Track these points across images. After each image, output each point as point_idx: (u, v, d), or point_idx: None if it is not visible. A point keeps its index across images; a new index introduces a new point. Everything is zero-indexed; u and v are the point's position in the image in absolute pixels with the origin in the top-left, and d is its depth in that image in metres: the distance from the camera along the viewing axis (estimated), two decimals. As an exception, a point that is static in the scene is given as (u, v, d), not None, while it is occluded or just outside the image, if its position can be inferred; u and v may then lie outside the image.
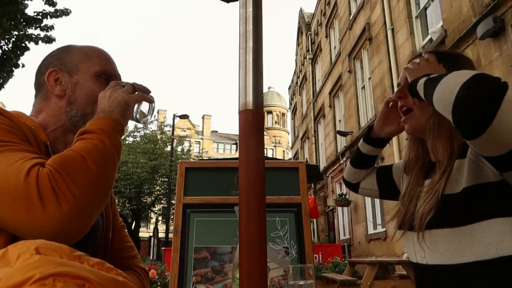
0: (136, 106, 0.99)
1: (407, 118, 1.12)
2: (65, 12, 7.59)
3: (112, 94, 0.95)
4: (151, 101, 1.02)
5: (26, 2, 7.03)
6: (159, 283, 6.75)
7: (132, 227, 23.00)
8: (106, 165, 0.82)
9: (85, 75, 1.03)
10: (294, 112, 25.70)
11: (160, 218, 28.96)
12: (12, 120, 0.86)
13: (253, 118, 1.01)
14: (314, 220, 16.09)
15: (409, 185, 1.15)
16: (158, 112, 30.45)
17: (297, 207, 1.89)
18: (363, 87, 12.13)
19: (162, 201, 24.60)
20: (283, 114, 52.74)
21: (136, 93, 0.98)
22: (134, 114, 0.99)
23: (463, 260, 0.92)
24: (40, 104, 1.03)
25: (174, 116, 19.68)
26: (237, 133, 1.05)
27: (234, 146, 50.78)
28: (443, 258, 0.96)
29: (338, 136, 14.01)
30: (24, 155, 0.77)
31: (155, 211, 26.73)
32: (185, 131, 29.46)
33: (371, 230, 10.98)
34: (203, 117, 50.30)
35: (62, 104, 1.02)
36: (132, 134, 23.88)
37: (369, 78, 11.30)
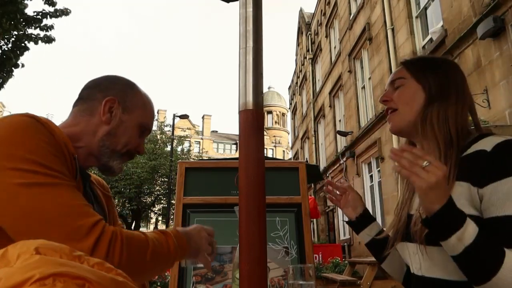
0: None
1: (392, 116, 1.12)
2: (64, 12, 7.59)
3: (203, 239, 1.07)
4: (203, 269, 1.13)
5: (25, 2, 7.03)
6: (159, 283, 6.75)
7: (132, 227, 22.98)
8: (158, 264, 0.92)
9: (133, 120, 1.08)
10: (294, 112, 25.70)
11: (160, 218, 28.95)
12: (56, 140, 0.87)
13: (253, 118, 1.01)
14: (314, 220, 16.09)
15: (401, 193, 1.14)
16: (158, 112, 30.46)
17: (297, 207, 1.89)
18: (363, 87, 12.13)
19: (162, 201, 24.59)
20: (283, 114, 52.74)
21: (207, 256, 1.11)
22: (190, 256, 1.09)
23: (461, 278, 0.91)
24: (83, 117, 1.04)
25: (174, 116, 19.68)
26: (237, 133, 1.05)
27: (234, 146, 50.77)
28: (440, 273, 0.95)
29: (338, 136, 14.01)
30: (84, 201, 0.83)
31: (155, 211, 26.73)
32: (185, 131, 29.42)
33: (371, 230, 10.96)
34: (203, 117, 50.30)
35: (102, 129, 1.04)
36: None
37: (369, 78, 11.30)
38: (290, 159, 30.73)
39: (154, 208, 25.91)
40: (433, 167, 0.83)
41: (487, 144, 0.93)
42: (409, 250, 1.06)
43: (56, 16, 7.53)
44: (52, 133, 0.87)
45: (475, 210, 0.91)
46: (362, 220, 1.27)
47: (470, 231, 0.83)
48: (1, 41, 7.14)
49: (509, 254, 0.82)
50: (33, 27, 7.41)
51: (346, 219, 1.32)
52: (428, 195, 0.84)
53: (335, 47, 15.48)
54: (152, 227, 30.73)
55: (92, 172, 1.36)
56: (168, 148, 22.90)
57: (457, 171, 0.96)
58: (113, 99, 1.05)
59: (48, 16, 7.45)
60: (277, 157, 43.69)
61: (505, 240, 0.85)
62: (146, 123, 1.12)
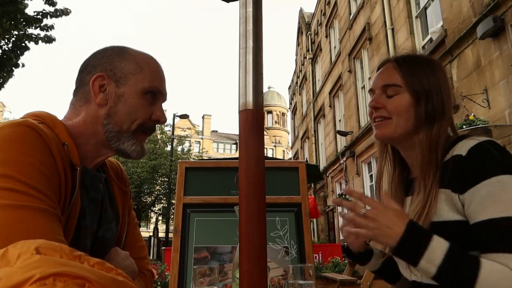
0: None
1: (381, 124, 1.08)
2: (65, 12, 7.58)
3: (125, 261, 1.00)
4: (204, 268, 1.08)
5: (26, 1, 7.02)
6: (159, 283, 6.75)
7: (132, 227, 22.98)
8: None
9: (132, 89, 0.96)
10: (294, 112, 25.69)
11: (160, 218, 28.97)
12: (52, 155, 0.81)
13: (253, 118, 1.01)
14: (314, 220, 16.08)
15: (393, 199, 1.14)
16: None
17: (297, 207, 1.89)
18: (363, 87, 12.13)
19: (162, 201, 24.63)
20: (283, 114, 52.72)
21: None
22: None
23: None
24: (81, 106, 0.96)
25: (174, 116, 19.68)
26: (237, 133, 1.05)
27: (234, 146, 50.76)
28: None
29: (338, 136, 14.00)
30: (59, 234, 0.74)
31: (155, 211, 26.75)
32: (185, 131, 29.44)
33: (371, 230, 10.98)
34: (203, 117, 50.30)
35: (101, 113, 0.94)
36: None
37: (369, 78, 11.30)
38: (290, 159, 30.73)
39: (154, 208, 25.93)
40: (370, 212, 0.92)
41: (462, 148, 0.94)
42: None
43: (57, 16, 7.52)
44: (49, 145, 0.81)
45: (460, 215, 0.92)
46: (366, 252, 1.19)
47: (437, 251, 0.85)
48: (2, 41, 7.14)
49: (484, 266, 0.83)
50: (33, 27, 7.40)
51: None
52: (378, 237, 0.91)
53: (335, 47, 15.47)
54: (152, 226, 30.71)
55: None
56: (168, 148, 22.92)
57: (438, 178, 0.97)
58: (101, 75, 0.94)
59: (49, 16, 7.44)
60: (277, 157, 43.70)
61: (486, 245, 0.87)
62: (150, 86, 0.97)
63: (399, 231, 0.88)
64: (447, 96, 1.06)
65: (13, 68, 7.33)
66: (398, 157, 1.14)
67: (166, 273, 6.92)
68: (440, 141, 1.01)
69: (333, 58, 15.25)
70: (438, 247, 0.86)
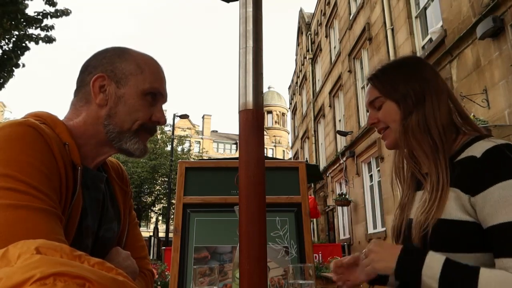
0: None
1: (385, 135, 1.13)
2: (65, 12, 7.59)
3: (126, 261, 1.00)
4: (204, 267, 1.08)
5: (26, 2, 7.03)
6: (159, 283, 6.76)
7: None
8: None
9: (132, 90, 0.96)
10: (294, 112, 25.69)
11: (160, 217, 28.99)
12: (54, 154, 0.81)
13: (253, 118, 1.01)
14: (314, 219, 16.08)
15: (402, 195, 1.15)
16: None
17: (297, 207, 1.89)
18: (363, 87, 12.13)
19: (162, 201, 24.64)
20: (283, 114, 52.72)
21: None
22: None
23: None
24: (82, 107, 0.96)
25: (174, 116, 19.68)
26: (237, 133, 1.05)
27: (234, 146, 50.76)
28: None
29: (338, 136, 14.00)
30: (60, 234, 0.74)
31: (155, 211, 26.77)
32: (185, 131, 29.47)
33: (371, 230, 10.99)
34: (203, 117, 50.30)
35: (101, 113, 0.95)
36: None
37: (369, 78, 11.29)
38: (290, 159, 30.73)
39: (154, 208, 25.93)
40: (369, 248, 0.98)
41: (477, 149, 0.94)
42: None
43: (57, 16, 7.52)
44: (50, 145, 0.81)
45: (469, 216, 0.92)
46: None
47: (434, 265, 0.87)
48: (2, 41, 7.14)
49: (482, 273, 0.84)
50: (33, 27, 7.40)
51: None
52: (378, 264, 0.95)
53: (335, 47, 15.47)
54: (152, 226, 30.72)
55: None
56: (168, 148, 22.92)
57: (450, 176, 0.97)
58: (101, 76, 0.95)
59: (49, 16, 7.44)
60: (277, 157, 43.69)
61: (497, 250, 0.87)
62: (150, 87, 0.98)
63: (395, 252, 0.93)
64: (427, 83, 1.07)
65: (14, 68, 7.33)
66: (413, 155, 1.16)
67: (166, 273, 6.92)
68: (419, 135, 1.02)
69: (333, 58, 15.25)
70: (434, 261, 0.88)
